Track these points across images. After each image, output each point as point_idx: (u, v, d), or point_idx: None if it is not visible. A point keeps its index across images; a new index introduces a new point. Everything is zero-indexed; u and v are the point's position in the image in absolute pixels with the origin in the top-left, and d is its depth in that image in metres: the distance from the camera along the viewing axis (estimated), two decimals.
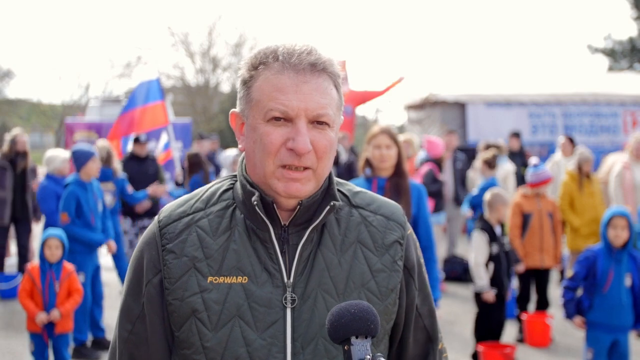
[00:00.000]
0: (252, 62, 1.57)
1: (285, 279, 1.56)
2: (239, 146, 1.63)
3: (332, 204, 1.58)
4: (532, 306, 7.35)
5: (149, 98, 9.83)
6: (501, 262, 6.11)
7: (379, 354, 1.38)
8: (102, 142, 8.42)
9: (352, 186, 1.72)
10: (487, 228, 6.17)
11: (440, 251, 9.75)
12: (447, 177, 9.97)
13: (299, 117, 1.52)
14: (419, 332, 1.71)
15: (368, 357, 1.37)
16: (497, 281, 6.10)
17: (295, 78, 1.52)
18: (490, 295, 6.05)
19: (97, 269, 6.79)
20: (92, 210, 6.66)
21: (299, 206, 1.56)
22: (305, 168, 1.53)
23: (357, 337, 1.39)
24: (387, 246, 1.63)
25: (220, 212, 1.61)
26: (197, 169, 9.20)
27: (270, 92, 1.53)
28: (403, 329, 1.69)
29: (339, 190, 1.68)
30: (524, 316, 7.01)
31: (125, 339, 1.63)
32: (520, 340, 6.98)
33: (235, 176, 1.68)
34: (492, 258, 6.11)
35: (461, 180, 10.16)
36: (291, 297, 1.55)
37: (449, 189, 9.90)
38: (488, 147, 9.39)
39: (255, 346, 1.52)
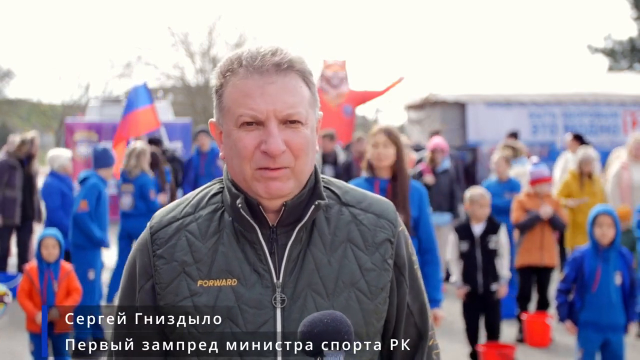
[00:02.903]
0: (221, 70, 1.59)
1: (275, 280, 1.56)
2: (220, 154, 1.63)
3: (317, 203, 1.58)
4: (532, 306, 7.34)
5: (139, 103, 9.90)
6: (475, 261, 6.12)
7: None
8: (136, 144, 8.34)
9: (342, 184, 1.72)
10: (460, 226, 6.24)
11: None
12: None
13: (269, 119, 1.52)
14: (409, 329, 1.71)
15: None
16: (470, 279, 6.13)
17: (260, 80, 1.53)
18: (460, 292, 6.15)
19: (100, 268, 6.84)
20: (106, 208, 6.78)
21: (284, 207, 1.57)
22: (284, 167, 1.53)
23: (330, 348, 1.37)
24: (377, 245, 1.63)
25: (209, 215, 1.62)
26: (154, 168, 8.96)
27: (238, 97, 1.54)
28: (395, 326, 1.68)
29: (328, 188, 1.68)
30: (524, 316, 7.01)
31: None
32: (520, 340, 6.98)
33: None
34: (462, 256, 6.16)
35: (464, 178, 10.09)
36: (281, 297, 1.55)
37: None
38: (505, 148, 9.38)
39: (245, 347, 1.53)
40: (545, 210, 6.84)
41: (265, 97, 1.52)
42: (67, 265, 5.77)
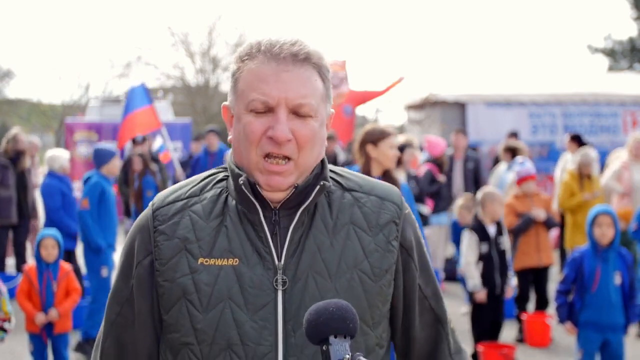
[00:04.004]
0: (240, 55, 1.59)
1: (276, 261, 1.55)
2: (229, 138, 1.63)
3: (321, 183, 1.57)
4: (531, 306, 7.34)
5: (137, 104, 9.79)
6: (492, 262, 6.10)
7: (358, 353, 1.34)
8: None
9: (345, 171, 1.71)
10: (477, 228, 6.18)
11: (446, 251, 9.74)
12: (457, 177, 9.90)
13: (279, 106, 1.52)
14: (425, 313, 1.68)
15: (347, 356, 1.33)
16: (488, 280, 6.10)
17: (276, 67, 1.53)
18: (481, 295, 6.07)
19: None
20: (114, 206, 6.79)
21: (294, 189, 1.55)
22: (287, 158, 1.52)
23: (335, 337, 1.35)
24: (381, 226, 1.61)
25: (213, 197, 1.61)
26: (146, 168, 8.88)
27: (252, 82, 1.54)
28: (408, 312, 1.66)
29: (331, 177, 1.66)
30: (524, 316, 7.01)
31: (112, 322, 1.63)
32: (520, 340, 6.98)
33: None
34: (481, 257, 6.11)
35: (473, 179, 9.98)
36: (282, 279, 1.53)
37: (458, 188, 9.81)
38: (508, 148, 9.36)
39: (246, 328, 1.52)
40: (538, 214, 6.86)
41: (278, 84, 1.52)
42: (66, 266, 5.76)
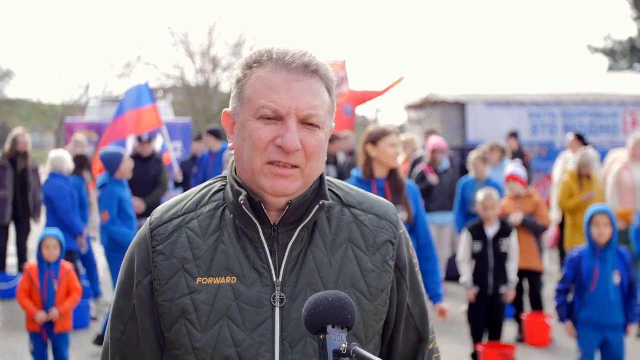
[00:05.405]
0: (247, 62, 1.59)
1: (275, 278, 1.56)
2: (229, 145, 1.63)
3: (321, 203, 1.58)
4: (527, 308, 7.34)
5: (140, 102, 9.68)
6: (487, 262, 6.12)
7: (354, 343, 1.36)
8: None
9: (344, 185, 1.72)
10: (475, 227, 6.21)
11: (447, 252, 9.74)
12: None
13: (289, 116, 1.52)
14: (410, 332, 1.70)
15: (344, 345, 1.35)
16: (480, 280, 6.12)
17: (287, 76, 1.53)
18: (470, 293, 6.12)
19: None
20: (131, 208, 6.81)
21: (288, 206, 1.56)
22: (294, 166, 1.53)
23: (333, 327, 1.37)
24: (378, 246, 1.63)
25: (210, 212, 1.62)
26: (81, 170, 8.55)
27: (262, 90, 1.54)
28: (394, 329, 1.68)
29: (331, 190, 1.67)
30: (523, 316, 7.02)
31: (117, 340, 1.65)
32: (520, 340, 6.99)
33: (226, 177, 1.67)
34: (474, 256, 6.14)
35: (450, 180, 9.97)
36: (280, 296, 1.55)
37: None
38: (492, 148, 9.35)
39: (244, 346, 1.53)
40: (514, 219, 6.89)
41: (290, 94, 1.52)
42: (67, 265, 5.77)
